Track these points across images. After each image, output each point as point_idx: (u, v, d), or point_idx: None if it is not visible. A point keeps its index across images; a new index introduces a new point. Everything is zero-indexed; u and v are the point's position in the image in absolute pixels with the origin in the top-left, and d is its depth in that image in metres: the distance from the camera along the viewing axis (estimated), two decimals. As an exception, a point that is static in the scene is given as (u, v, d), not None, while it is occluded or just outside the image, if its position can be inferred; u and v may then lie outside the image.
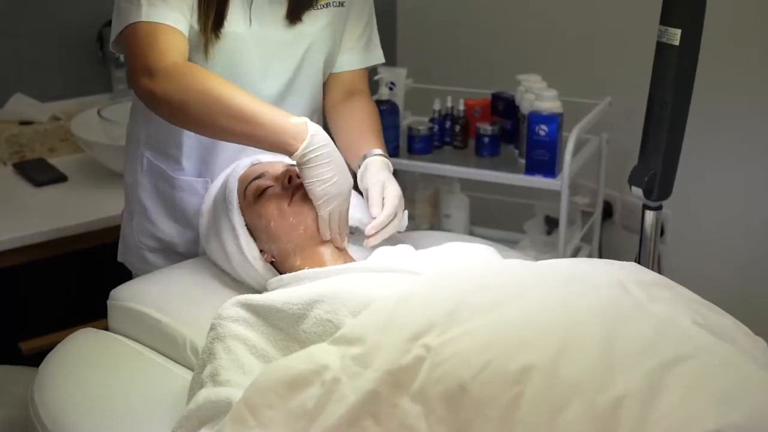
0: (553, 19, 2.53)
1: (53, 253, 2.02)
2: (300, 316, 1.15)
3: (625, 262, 1.18)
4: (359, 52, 1.62)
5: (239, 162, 1.48)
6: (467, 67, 2.74)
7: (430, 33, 2.92)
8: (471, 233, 2.44)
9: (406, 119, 2.31)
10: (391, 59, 2.97)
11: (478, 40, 2.74)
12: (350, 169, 1.39)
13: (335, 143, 1.35)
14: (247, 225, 1.37)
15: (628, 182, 1.56)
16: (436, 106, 2.26)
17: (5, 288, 2.17)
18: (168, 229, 1.60)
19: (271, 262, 1.38)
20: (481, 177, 2.12)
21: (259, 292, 1.37)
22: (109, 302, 1.45)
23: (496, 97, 2.25)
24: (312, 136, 1.28)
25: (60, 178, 2.22)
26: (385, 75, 2.23)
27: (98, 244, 2.04)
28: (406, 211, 1.48)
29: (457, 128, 2.24)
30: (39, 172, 2.23)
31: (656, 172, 1.48)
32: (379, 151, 1.48)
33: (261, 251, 1.37)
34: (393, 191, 1.41)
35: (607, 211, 2.50)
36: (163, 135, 1.54)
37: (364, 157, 1.46)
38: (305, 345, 1.13)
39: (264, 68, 1.48)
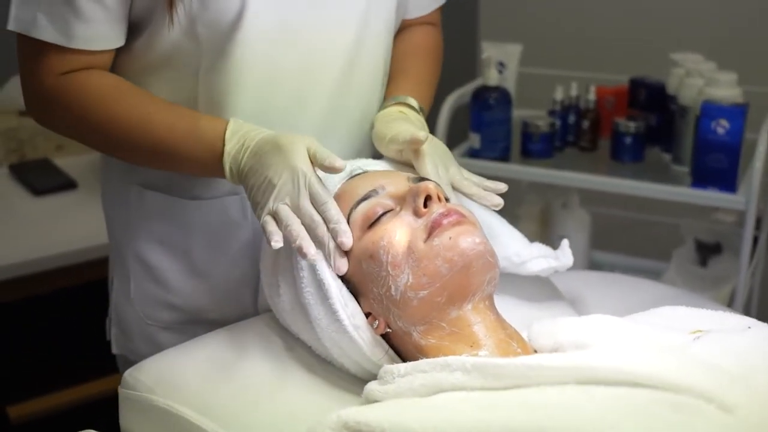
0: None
1: (54, 286, 1.63)
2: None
3: None
4: None
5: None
6: (591, 45, 2.19)
7: None
8: (591, 261, 1.93)
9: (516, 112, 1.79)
10: (472, 31, 2.35)
11: (606, 9, 2.18)
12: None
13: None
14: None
15: None
16: (558, 95, 1.73)
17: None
18: (186, 287, 1.06)
19: (385, 334, 0.85)
20: (626, 190, 1.61)
21: (364, 380, 0.85)
22: (120, 390, 0.93)
23: (637, 84, 1.73)
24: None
25: (68, 184, 1.87)
26: (492, 52, 1.70)
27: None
28: (566, 240, 1.02)
29: (586, 124, 1.72)
30: (41, 177, 1.90)
31: None
32: (412, 101, 1.05)
33: (367, 314, 0.85)
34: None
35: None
36: None
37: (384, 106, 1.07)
38: None
39: (319, 31, 0.97)
